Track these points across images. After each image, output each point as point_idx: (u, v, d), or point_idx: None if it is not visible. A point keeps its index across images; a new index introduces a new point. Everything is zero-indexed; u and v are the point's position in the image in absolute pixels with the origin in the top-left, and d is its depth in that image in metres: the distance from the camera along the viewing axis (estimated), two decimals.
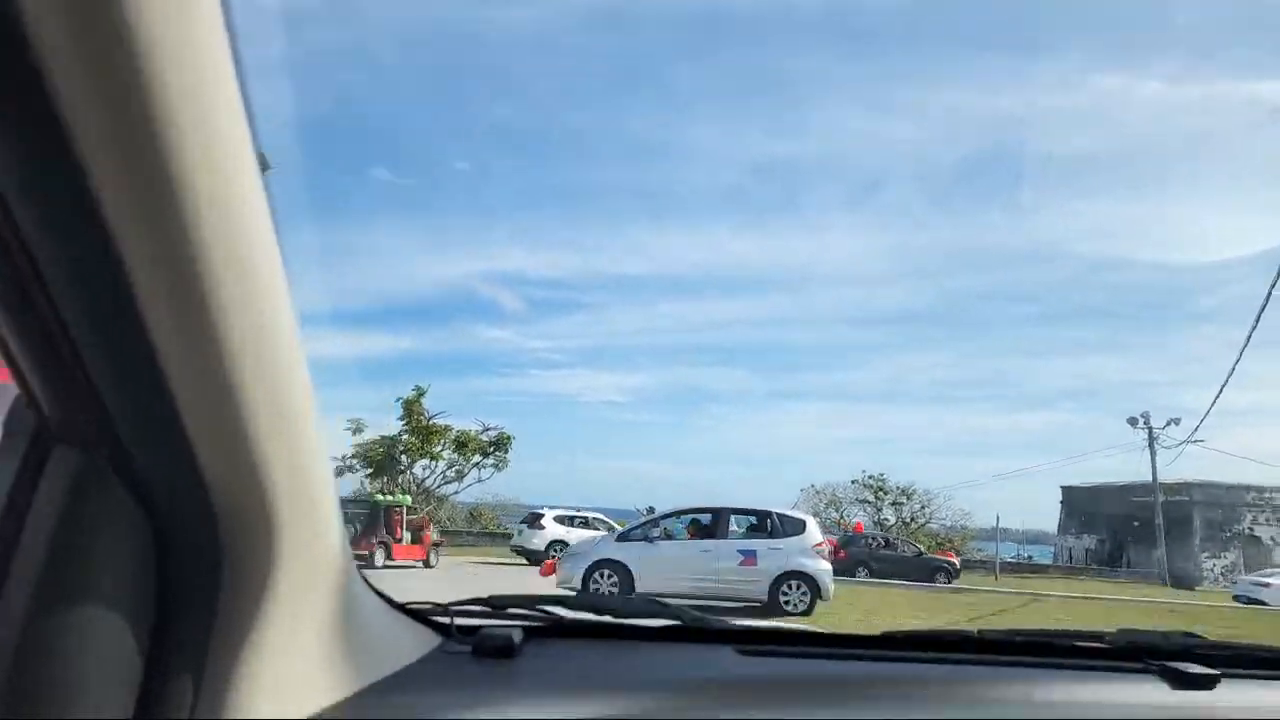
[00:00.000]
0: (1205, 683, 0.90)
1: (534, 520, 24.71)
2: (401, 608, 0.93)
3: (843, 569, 26.72)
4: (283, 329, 0.61)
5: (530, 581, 14.13)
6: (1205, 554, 40.42)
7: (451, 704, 0.76)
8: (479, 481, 35.53)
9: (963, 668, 0.94)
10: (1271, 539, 40.68)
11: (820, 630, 1.02)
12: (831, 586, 12.50)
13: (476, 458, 35.02)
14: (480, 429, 35.21)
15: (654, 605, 1.01)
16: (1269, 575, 28.49)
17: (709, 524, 13.17)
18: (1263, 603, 25.18)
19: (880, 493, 43.11)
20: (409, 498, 25.30)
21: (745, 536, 13.00)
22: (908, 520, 42.96)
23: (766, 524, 12.97)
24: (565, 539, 21.83)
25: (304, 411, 0.65)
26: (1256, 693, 0.93)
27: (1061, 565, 44.27)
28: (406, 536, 20.70)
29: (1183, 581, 36.97)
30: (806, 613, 11.87)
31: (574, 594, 1.06)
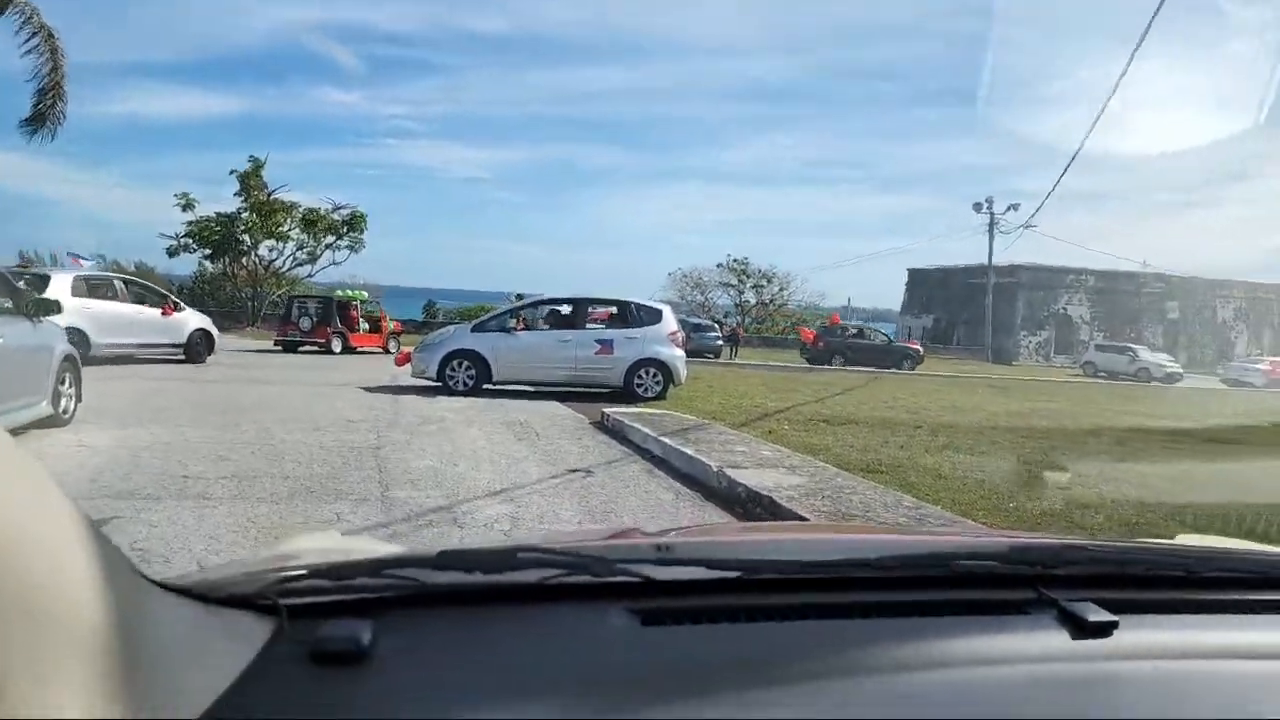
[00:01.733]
0: (1104, 629, 0.89)
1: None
2: (214, 598, 0.76)
3: (820, 358, 28.72)
4: None
5: None
6: (1024, 332, 44.96)
7: None
8: (334, 264, 34.00)
9: (858, 623, 0.89)
10: (1080, 318, 45.58)
11: (718, 557, 0.94)
12: (684, 372, 13.00)
13: (329, 238, 33.24)
14: (330, 207, 33.16)
15: (532, 556, 0.85)
16: (1254, 363, 34.55)
17: (569, 314, 13.31)
18: (1251, 385, 30.81)
19: (743, 276, 44.65)
20: (365, 293, 26.38)
21: (605, 326, 13.19)
22: (767, 301, 45.02)
23: (625, 314, 13.19)
24: None
25: None
26: (1154, 635, 0.93)
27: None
28: (365, 326, 23.25)
29: (1002, 357, 41.29)
30: (660, 397, 12.39)
31: (434, 554, 0.86)
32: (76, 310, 12.45)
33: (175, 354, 15.13)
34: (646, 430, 8.13)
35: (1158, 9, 10.91)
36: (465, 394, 11.93)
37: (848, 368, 27.23)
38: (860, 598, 0.93)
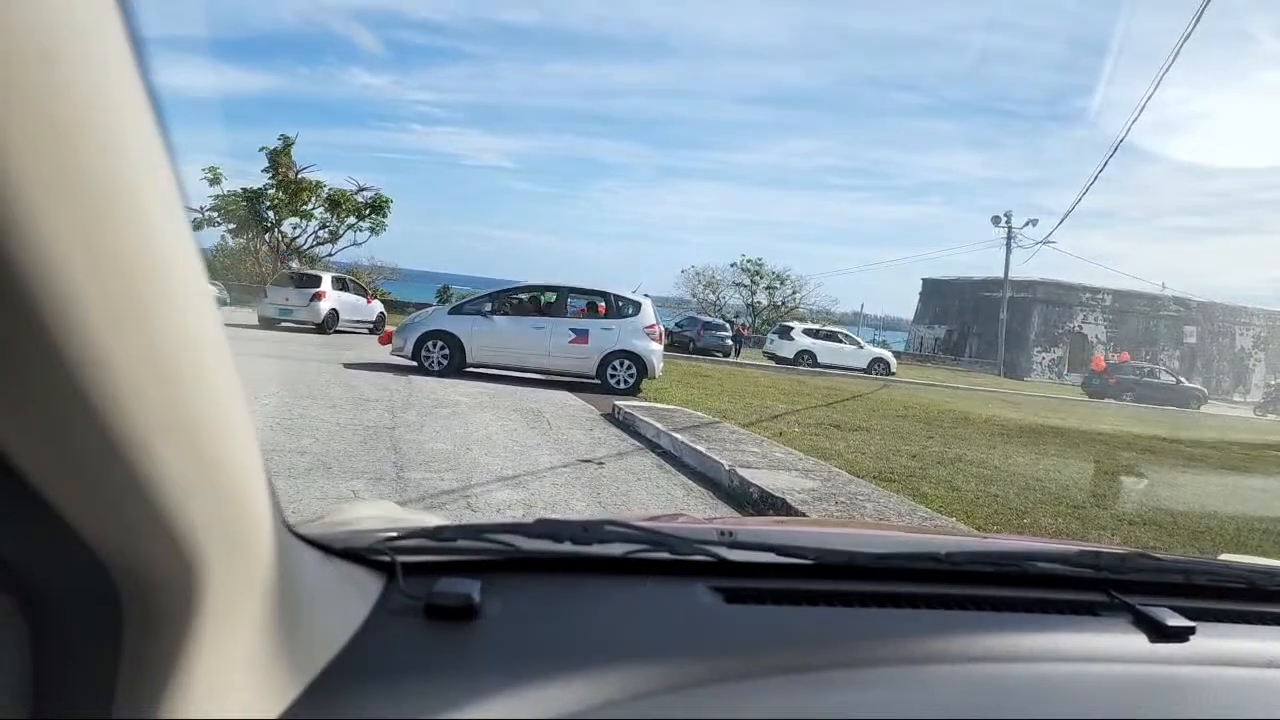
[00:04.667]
0: (1182, 635, 0.91)
1: (785, 332, 30.37)
2: (337, 550, 0.80)
3: (1106, 391, 30.64)
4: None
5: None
6: (1038, 348, 44.66)
7: (408, 702, 0.64)
8: (355, 245, 34.16)
9: (934, 613, 0.91)
10: (1095, 337, 45.21)
11: (789, 544, 0.98)
12: (659, 366, 12.85)
13: (351, 219, 33.34)
14: (355, 188, 33.24)
15: (617, 530, 0.91)
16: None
17: (551, 302, 13.27)
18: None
19: (757, 277, 44.50)
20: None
21: (584, 316, 13.13)
22: (779, 304, 44.89)
23: (604, 304, 13.12)
24: (812, 349, 28.48)
25: (206, 364, 0.46)
26: (1229, 643, 0.94)
27: (913, 352, 48.02)
28: None
29: (1014, 372, 41.01)
30: (632, 390, 12.27)
31: (529, 522, 0.96)
32: (335, 298, 20.33)
33: (365, 328, 21.16)
34: (658, 425, 8.13)
35: (1185, 35, 10.81)
36: (440, 374, 11.89)
37: (1136, 403, 28.26)
38: (933, 590, 0.95)
